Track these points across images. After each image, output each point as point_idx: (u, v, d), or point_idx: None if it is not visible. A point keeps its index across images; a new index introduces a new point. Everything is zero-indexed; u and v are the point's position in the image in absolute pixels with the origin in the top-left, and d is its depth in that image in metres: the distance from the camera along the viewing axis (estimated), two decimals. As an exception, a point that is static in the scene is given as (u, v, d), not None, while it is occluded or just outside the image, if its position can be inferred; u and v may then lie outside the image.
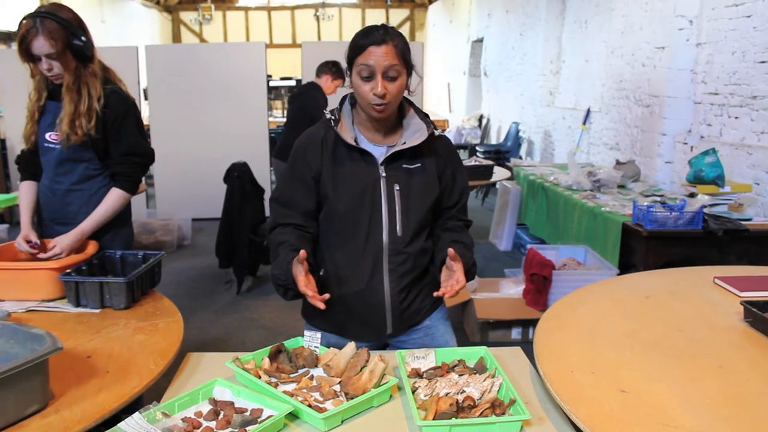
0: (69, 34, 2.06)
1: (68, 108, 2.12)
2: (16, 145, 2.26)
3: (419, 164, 1.72)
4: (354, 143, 1.68)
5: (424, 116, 1.77)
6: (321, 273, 1.76)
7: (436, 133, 1.75)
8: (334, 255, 1.75)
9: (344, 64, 1.70)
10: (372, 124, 1.72)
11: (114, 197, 2.23)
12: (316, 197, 1.73)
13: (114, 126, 2.20)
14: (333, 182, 1.70)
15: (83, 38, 2.10)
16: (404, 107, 1.78)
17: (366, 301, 1.74)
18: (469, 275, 1.73)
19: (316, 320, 1.84)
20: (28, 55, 2.05)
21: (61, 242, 2.08)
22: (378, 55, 1.58)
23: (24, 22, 2.03)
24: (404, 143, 1.70)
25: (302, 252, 1.54)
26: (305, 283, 1.55)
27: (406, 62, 1.63)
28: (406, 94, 1.70)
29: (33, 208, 2.30)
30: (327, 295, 1.56)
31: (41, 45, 2.02)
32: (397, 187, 1.69)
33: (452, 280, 1.61)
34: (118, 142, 2.22)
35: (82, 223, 2.17)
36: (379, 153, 1.71)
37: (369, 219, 1.69)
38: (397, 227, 1.70)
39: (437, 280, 1.86)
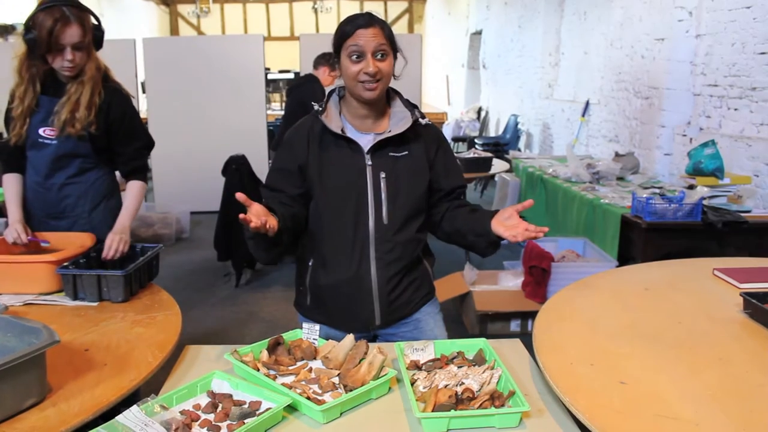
0: (95, 24, 2.07)
1: (73, 98, 2.10)
2: (11, 139, 2.22)
3: (406, 152, 1.74)
4: (340, 132, 1.70)
5: (410, 105, 1.78)
6: (310, 263, 1.80)
7: (423, 121, 1.77)
8: (322, 244, 1.76)
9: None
10: (360, 111, 1.73)
11: (138, 188, 2.29)
12: (301, 186, 1.75)
13: (122, 124, 2.21)
14: (319, 171, 1.72)
15: (102, 28, 2.11)
16: (391, 96, 1.79)
17: (353, 289, 1.75)
18: (492, 248, 1.72)
19: (306, 310, 1.86)
20: (55, 45, 2.00)
21: (114, 239, 2.08)
22: (367, 37, 1.61)
23: (47, 10, 1.97)
24: (389, 131, 1.72)
25: (239, 194, 1.50)
26: (252, 211, 1.50)
27: (393, 45, 1.67)
28: (393, 80, 1.73)
29: (20, 201, 2.25)
30: (269, 221, 1.51)
31: (73, 34, 2.00)
32: (383, 175, 1.71)
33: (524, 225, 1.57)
34: (132, 139, 2.26)
35: (121, 218, 2.18)
36: (366, 141, 1.72)
37: (355, 207, 1.71)
38: (383, 215, 1.72)
39: (429, 273, 1.88)
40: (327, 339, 1.61)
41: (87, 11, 2.06)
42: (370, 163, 1.71)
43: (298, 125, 1.80)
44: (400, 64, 1.73)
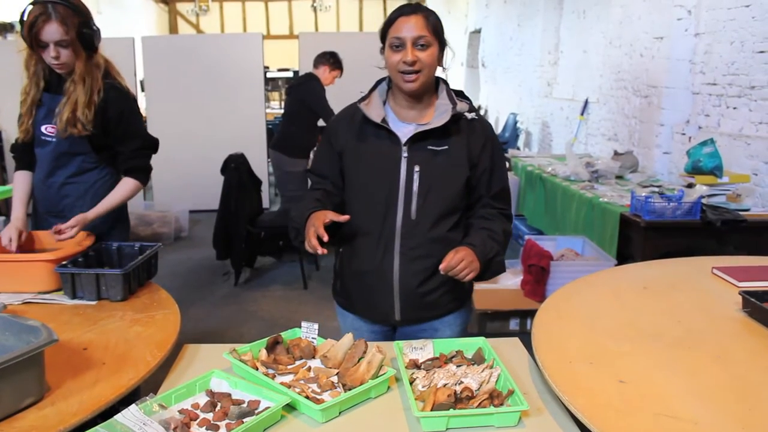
0: (81, 22, 2.04)
1: (72, 97, 2.09)
2: (13, 137, 2.25)
3: (446, 147, 1.69)
4: (380, 122, 1.67)
5: (456, 97, 1.72)
6: (341, 249, 1.82)
7: (469, 116, 1.71)
8: (351, 233, 1.76)
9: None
10: (405, 101, 1.71)
11: (129, 186, 2.23)
12: (340, 172, 1.77)
13: (120, 123, 2.19)
14: (355, 158, 1.72)
15: (94, 27, 2.09)
16: (439, 87, 1.75)
17: (375, 280, 1.75)
18: (494, 266, 1.70)
19: (337, 294, 1.90)
20: (36, 41, 2.00)
21: (78, 218, 2.06)
22: (408, 26, 1.60)
23: (33, 6, 1.98)
24: (428, 123, 1.68)
25: (345, 217, 1.60)
26: (318, 226, 1.55)
27: (436, 34, 1.63)
28: (440, 71, 1.70)
29: (26, 200, 2.27)
30: (322, 249, 1.56)
31: (53, 31, 1.99)
32: (417, 169, 1.67)
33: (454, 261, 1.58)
34: (128, 138, 2.22)
35: (96, 208, 2.15)
36: (406, 132, 1.69)
37: (386, 199, 1.69)
38: (412, 210, 1.69)
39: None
40: (351, 328, 1.61)
41: (72, 9, 2.02)
42: (406, 155, 1.68)
43: (342, 112, 1.81)
44: (449, 54, 1.71)
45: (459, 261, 1.58)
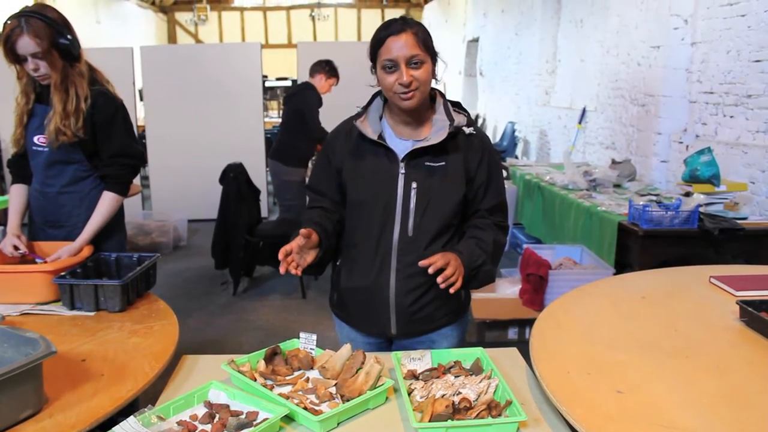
0: (54, 33, 2.05)
1: (57, 107, 2.11)
2: (10, 147, 2.29)
3: (443, 163, 1.68)
4: (376, 138, 1.67)
5: (454, 111, 1.71)
6: (338, 263, 1.82)
7: (467, 130, 1.70)
8: (349, 247, 1.77)
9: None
10: (402, 117, 1.70)
11: (107, 202, 2.23)
12: (339, 188, 1.77)
13: (103, 128, 2.20)
14: (353, 175, 1.72)
15: (69, 37, 2.09)
16: (436, 101, 1.74)
17: (371, 296, 1.75)
18: (481, 275, 1.69)
19: (334, 306, 1.89)
20: (13, 55, 2.03)
21: (63, 254, 2.09)
22: (399, 46, 1.56)
23: (8, 22, 2.01)
24: (427, 140, 1.67)
25: (302, 230, 1.57)
26: (291, 246, 1.54)
27: (428, 49, 1.61)
28: (434, 83, 1.68)
29: (22, 211, 2.31)
30: (291, 268, 1.55)
31: (26, 44, 2.01)
32: (414, 185, 1.67)
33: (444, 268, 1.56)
34: (107, 144, 2.23)
35: (81, 234, 2.17)
36: (403, 148, 1.68)
37: (382, 215, 1.69)
38: (409, 227, 1.68)
39: (460, 293, 1.79)
40: (348, 339, 1.61)
41: (45, 21, 2.03)
42: (403, 171, 1.67)
43: (338, 127, 1.80)
44: (441, 66, 1.69)
45: (446, 263, 1.56)
